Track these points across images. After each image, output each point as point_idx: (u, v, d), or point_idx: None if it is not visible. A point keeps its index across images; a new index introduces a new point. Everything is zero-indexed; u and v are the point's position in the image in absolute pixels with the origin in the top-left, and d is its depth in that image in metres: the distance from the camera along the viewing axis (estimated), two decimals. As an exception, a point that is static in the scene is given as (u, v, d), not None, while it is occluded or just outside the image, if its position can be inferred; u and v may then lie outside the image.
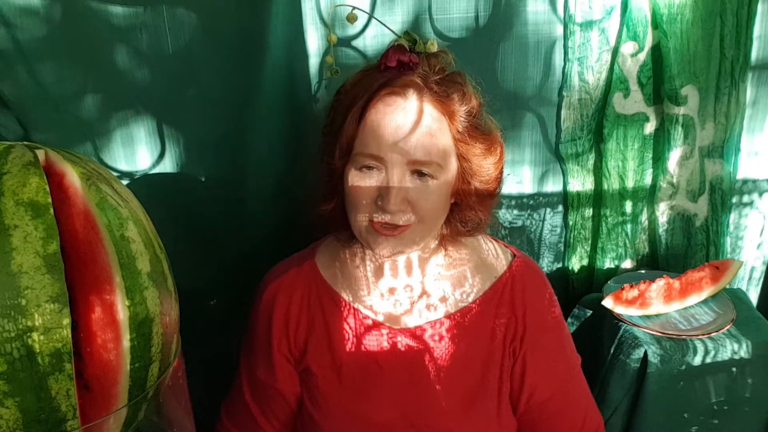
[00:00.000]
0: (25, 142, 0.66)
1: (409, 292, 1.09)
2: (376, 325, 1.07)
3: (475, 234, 1.10)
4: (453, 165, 0.99)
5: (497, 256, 1.13)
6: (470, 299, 1.09)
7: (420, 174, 0.96)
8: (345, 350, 1.07)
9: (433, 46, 0.98)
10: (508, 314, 1.08)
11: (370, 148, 0.95)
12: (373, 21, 1.28)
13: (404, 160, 0.94)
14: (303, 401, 1.11)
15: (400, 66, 0.96)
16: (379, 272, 1.09)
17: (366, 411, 1.06)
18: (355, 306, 1.08)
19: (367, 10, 1.27)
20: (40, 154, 0.63)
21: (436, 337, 1.07)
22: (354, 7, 1.04)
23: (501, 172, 1.06)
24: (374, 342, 1.07)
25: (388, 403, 1.06)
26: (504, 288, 1.09)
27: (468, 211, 1.05)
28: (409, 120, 0.94)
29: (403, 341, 1.07)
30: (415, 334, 1.07)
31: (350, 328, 1.08)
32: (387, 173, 0.95)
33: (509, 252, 1.14)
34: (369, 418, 1.06)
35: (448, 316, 1.08)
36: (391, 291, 1.09)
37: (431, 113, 0.95)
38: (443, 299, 1.09)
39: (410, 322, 1.08)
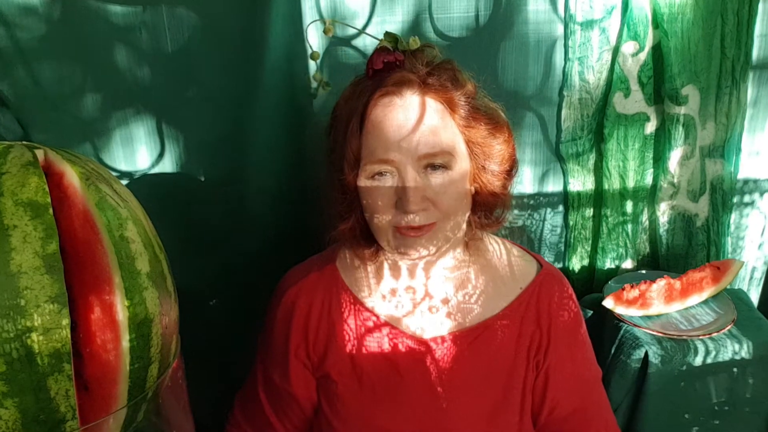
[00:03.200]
0: (24, 142, 0.66)
1: (434, 300, 1.07)
2: (400, 334, 1.05)
3: (496, 227, 1.08)
4: (464, 152, 0.97)
5: (523, 265, 1.11)
6: (495, 310, 1.07)
7: (433, 167, 0.94)
8: (366, 357, 1.05)
9: (416, 43, 0.97)
10: (533, 327, 1.06)
11: (378, 153, 0.93)
12: (374, 21, 1.28)
13: (414, 157, 0.92)
14: (321, 407, 1.08)
15: (388, 67, 0.95)
16: (402, 279, 1.07)
17: (385, 421, 1.03)
18: (378, 313, 1.06)
19: (368, 9, 1.27)
20: (39, 153, 0.63)
21: (459, 349, 1.05)
22: (334, 21, 1.04)
23: (514, 151, 1.04)
24: (396, 351, 1.05)
25: (408, 415, 1.04)
26: (530, 300, 1.07)
27: (489, 196, 1.02)
28: (409, 116, 0.92)
29: (425, 351, 1.04)
30: (438, 344, 1.05)
31: (372, 335, 1.05)
32: (400, 175, 0.93)
33: (535, 261, 1.12)
34: (387, 428, 1.03)
35: (473, 327, 1.05)
36: (416, 299, 1.07)
37: (430, 105, 0.94)
38: (468, 309, 1.07)
39: (434, 331, 1.06)
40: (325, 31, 1.03)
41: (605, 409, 1.14)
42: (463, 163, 0.97)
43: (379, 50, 0.96)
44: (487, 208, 1.04)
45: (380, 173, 0.94)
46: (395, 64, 0.95)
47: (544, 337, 1.06)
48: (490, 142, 0.98)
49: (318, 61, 1.05)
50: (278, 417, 1.11)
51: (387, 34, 0.98)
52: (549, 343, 1.06)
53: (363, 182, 0.96)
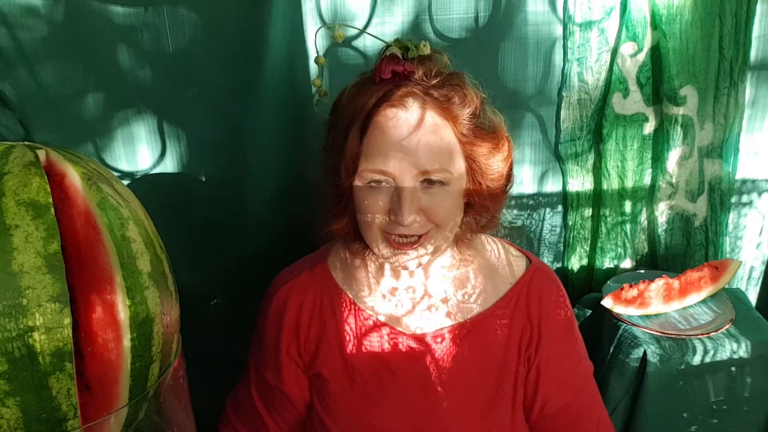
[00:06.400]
0: (25, 142, 0.66)
1: (434, 299, 1.07)
2: (391, 331, 1.05)
3: (487, 231, 1.08)
4: (462, 168, 0.96)
5: (512, 262, 1.11)
6: (486, 306, 1.07)
7: (430, 182, 0.93)
8: (357, 355, 1.05)
9: (426, 48, 0.95)
10: (523, 322, 1.06)
11: (377, 164, 0.92)
12: (374, 21, 1.28)
13: (413, 171, 0.91)
14: (313, 406, 1.09)
15: (395, 77, 0.93)
16: (393, 277, 1.08)
17: (377, 418, 1.04)
18: (369, 311, 1.07)
19: (368, 9, 1.27)
20: (41, 154, 0.63)
21: (451, 345, 1.05)
22: (340, 25, 1.02)
23: (511, 168, 1.03)
24: (387, 348, 1.05)
25: (400, 411, 1.04)
26: (519, 295, 1.07)
27: (481, 210, 1.02)
28: (412, 131, 0.91)
29: (417, 348, 1.05)
30: (429, 341, 1.05)
31: (363, 332, 1.06)
32: (397, 186, 0.93)
33: (524, 258, 1.12)
34: (380, 426, 1.04)
35: (463, 323, 1.06)
36: (406, 297, 1.07)
37: (434, 120, 0.92)
38: (458, 305, 1.07)
39: (425, 328, 1.06)
40: (335, 38, 1.02)
41: (597, 403, 1.14)
42: (460, 179, 0.96)
43: (389, 58, 0.93)
44: (477, 218, 1.04)
45: (377, 181, 0.94)
46: (403, 74, 0.93)
47: (534, 332, 1.06)
48: (489, 161, 0.98)
49: (321, 66, 1.04)
50: (271, 415, 1.11)
51: (397, 41, 0.95)
52: (540, 338, 1.06)
53: (358, 187, 0.95)
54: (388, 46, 0.95)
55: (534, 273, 1.09)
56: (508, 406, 1.05)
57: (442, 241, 0.99)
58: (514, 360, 1.06)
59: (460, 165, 0.96)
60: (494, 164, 0.99)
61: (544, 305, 1.07)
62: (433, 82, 0.93)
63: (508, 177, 1.04)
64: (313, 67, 1.30)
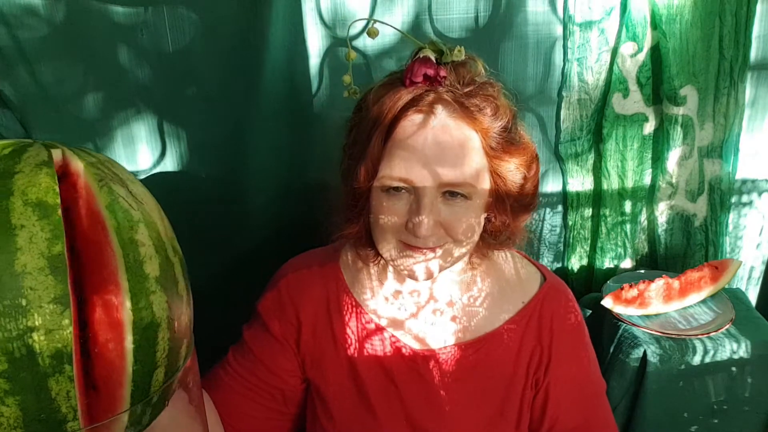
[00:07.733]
0: (43, 141, 0.66)
1: (439, 303, 1.05)
2: (400, 340, 1.03)
3: (504, 248, 1.04)
4: (486, 182, 0.92)
5: (526, 278, 1.08)
6: (496, 324, 1.04)
7: (452, 194, 0.89)
8: (363, 362, 1.02)
9: (461, 54, 0.89)
10: (533, 343, 1.03)
11: (399, 171, 0.87)
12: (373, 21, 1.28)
13: (436, 183, 0.87)
14: (315, 411, 1.06)
15: (427, 80, 0.88)
16: (406, 282, 1.05)
17: (378, 427, 1.02)
18: (379, 317, 1.04)
19: (368, 9, 1.27)
20: (56, 153, 0.63)
21: (459, 362, 1.02)
22: (375, 20, 0.97)
23: (537, 187, 0.99)
24: (394, 357, 1.02)
25: (402, 423, 1.02)
26: (532, 314, 1.04)
27: (501, 227, 0.98)
28: (439, 140, 0.86)
29: (424, 363, 1.02)
30: (437, 357, 1.02)
31: (372, 340, 1.03)
32: (417, 196, 0.88)
33: (539, 273, 1.09)
34: None
35: (473, 341, 1.03)
36: (420, 302, 1.05)
37: (463, 131, 0.88)
38: (473, 312, 1.04)
39: (435, 343, 1.03)
40: (369, 33, 0.98)
41: (609, 425, 1.10)
42: (483, 194, 0.92)
43: (422, 60, 0.88)
44: (496, 235, 1.00)
45: (396, 188, 0.90)
46: (436, 79, 0.88)
47: (545, 353, 1.03)
48: (515, 177, 0.94)
49: (351, 62, 1.00)
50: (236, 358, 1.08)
51: (431, 43, 0.90)
52: (550, 360, 1.03)
53: (377, 192, 0.92)
54: (421, 47, 0.90)
55: (548, 291, 1.06)
56: (511, 427, 1.03)
57: (455, 256, 0.95)
58: (521, 383, 1.03)
59: (484, 179, 0.91)
60: (519, 181, 0.95)
61: (556, 325, 1.04)
62: (466, 90, 0.88)
63: (534, 195, 0.99)
64: (314, 67, 1.30)
